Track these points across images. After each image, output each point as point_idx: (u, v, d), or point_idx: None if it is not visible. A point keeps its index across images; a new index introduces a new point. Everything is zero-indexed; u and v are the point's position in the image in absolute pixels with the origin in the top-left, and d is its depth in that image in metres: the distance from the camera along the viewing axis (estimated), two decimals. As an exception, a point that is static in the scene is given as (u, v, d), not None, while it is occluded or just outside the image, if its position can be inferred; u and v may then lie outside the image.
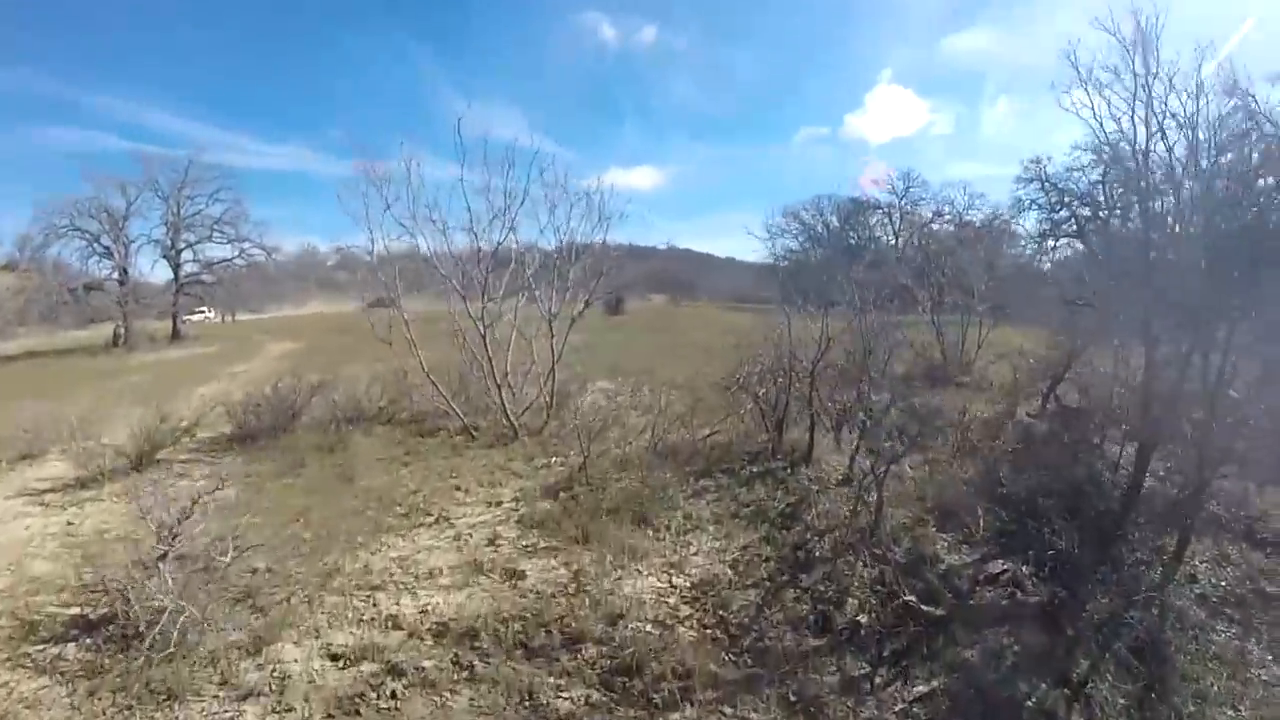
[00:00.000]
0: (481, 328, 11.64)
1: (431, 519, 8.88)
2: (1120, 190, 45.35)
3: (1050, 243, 48.38)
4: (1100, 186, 46.62)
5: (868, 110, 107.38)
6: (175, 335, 43.16)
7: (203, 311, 50.49)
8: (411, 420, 13.93)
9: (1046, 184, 48.06)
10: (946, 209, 59.86)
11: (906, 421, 12.33)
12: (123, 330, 41.63)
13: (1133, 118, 11.09)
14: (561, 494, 9.20)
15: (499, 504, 9.21)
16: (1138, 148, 11.01)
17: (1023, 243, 46.55)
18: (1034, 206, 48.75)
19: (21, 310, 41.97)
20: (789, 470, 10.18)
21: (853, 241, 63.43)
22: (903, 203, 62.08)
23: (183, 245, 43.66)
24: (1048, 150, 52.65)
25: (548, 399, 12.35)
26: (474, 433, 12.30)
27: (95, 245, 41.83)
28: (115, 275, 42.33)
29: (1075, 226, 48.11)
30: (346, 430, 13.73)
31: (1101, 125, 11.11)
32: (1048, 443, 12.71)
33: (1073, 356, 15.04)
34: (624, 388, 18.24)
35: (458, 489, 9.94)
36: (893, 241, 61.68)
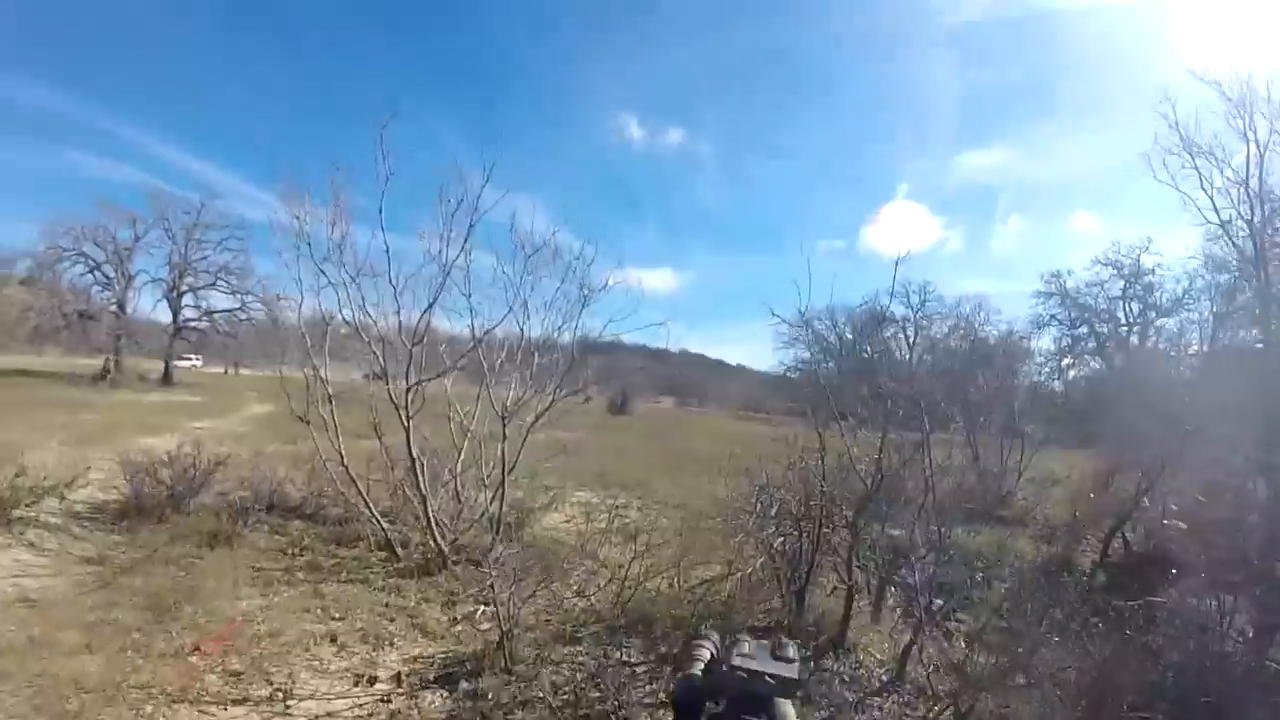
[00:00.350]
0: (405, 417, 8.95)
1: (265, 693, 5.99)
2: (1139, 307, 42.58)
3: (1067, 360, 46.00)
4: (1120, 303, 44.81)
5: (882, 224, 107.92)
6: (166, 378, 41.34)
7: (190, 359, 48.83)
8: (340, 521, 11.16)
9: (1066, 299, 46.01)
10: (962, 324, 58.41)
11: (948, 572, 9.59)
12: (112, 364, 40.06)
13: (1246, 189, 8.91)
14: (464, 681, 6.24)
15: (372, 683, 6.26)
16: (1255, 226, 8.77)
17: (1039, 360, 44.74)
18: (1053, 322, 46.55)
19: (31, 327, 40.36)
20: (812, 662, 7.24)
21: (866, 354, 62.01)
22: (918, 315, 60.61)
23: (185, 289, 42.33)
24: (1062, 267, 51.30)
25: (494, 518, 9.52)
26: (398, 551, 9.48)
27: (97, 274, 40.62)
28: (113, 307, 41.03)
29: (1095, 344, 45.89)
30: (255, 521, 11.08)
31: (1211, 200, 8.98)
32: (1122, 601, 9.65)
33: (1142, 489, 12.17)
34: (608, 502, 15.54)
35: (331, 640, 7.02)
36: (907, 356, 60.18)
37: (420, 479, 8.81)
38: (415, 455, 8.76)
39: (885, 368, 58.41)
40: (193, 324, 42.10)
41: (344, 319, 8.89)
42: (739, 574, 8.49)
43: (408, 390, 8.92)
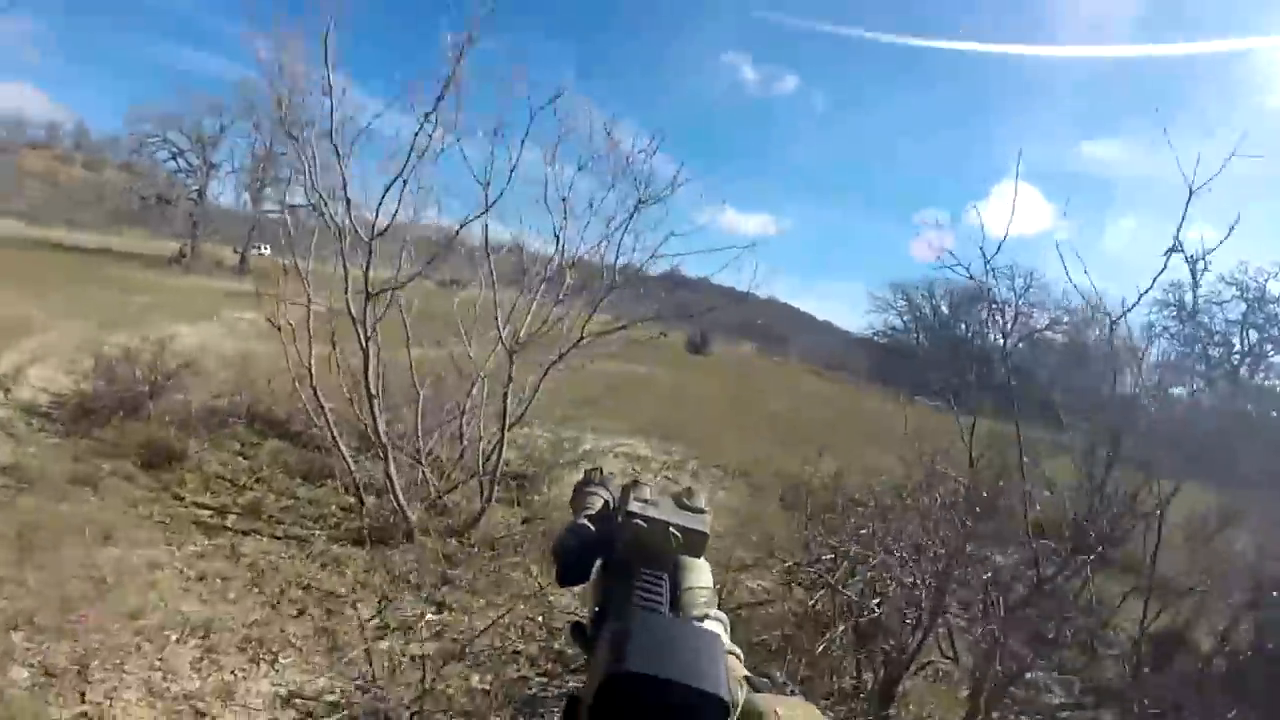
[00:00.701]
0: (362, 335, 6.52)
1: (64, 715, 3.87)
2: (1256, 336, 37.96)
3: (1171, 378, 41.38)
4: (1239, 328, 39.91)
5: (991, 202, 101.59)
6: (241, 266, 41.17)
7: (261, 249, 48.81)
8: (322, 447, 9.07)
9: (1183, 312, 41.24)
10: (1065, 318, 53.84)
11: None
12: (188, 249, 40.25)
13: None
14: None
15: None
16: None
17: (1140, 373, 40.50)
18: (1165, 334, 41.95)
19: (110, 209, 40.83)
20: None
21: (961, 331, 58.21)
22: (1019, 301, 55.84)
23: (265, 181, 41.59)
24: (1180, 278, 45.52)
25: (484, 476, 7.09)
26: (365, 501, 7.22)
27: (180, 160, 40.35)
28: (192, 194, 40.90)
29: (1205, 366, 40.89)
30: (221, 436, 9.18)
31: None
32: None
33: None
34: (660, 459, 13.14)
35: (202, 639, 4.87)
36: (1000, 340, 56.02)
37: (377, 417, 6.44)
38: (372, 386, 6.35)
39: (978, 349, 55.37)
40: (271, 215, 41.39)
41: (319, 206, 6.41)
42: (802, 608, 5.89)
43: (367, 299, 6.48)
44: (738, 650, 0.92)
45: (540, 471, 9.00)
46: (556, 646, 5.22)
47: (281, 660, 4.94)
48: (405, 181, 6.47)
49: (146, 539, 6.42)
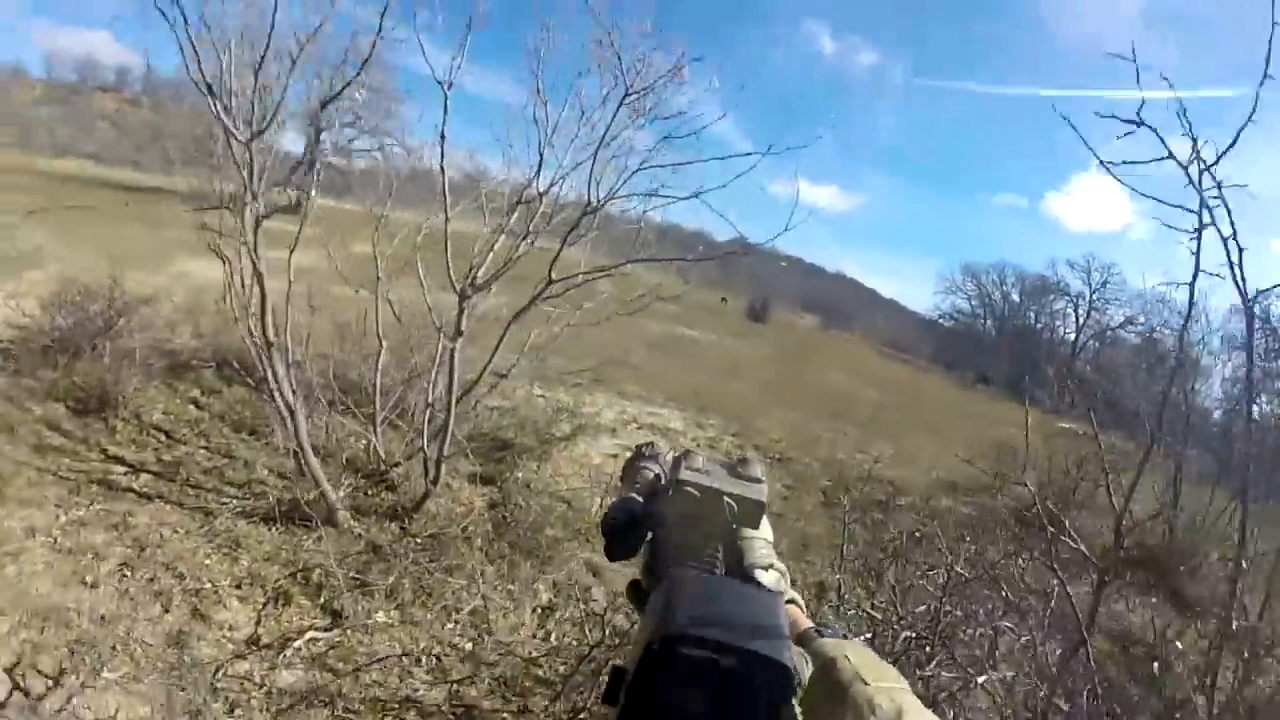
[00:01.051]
0: (254, 264, 5.10)
1: None
2: None
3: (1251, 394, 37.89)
4: None
5: (1071, 193, 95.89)
6: (295, 208, 40.85)
7: (299, 192, 48.97)
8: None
9: (1267, 326, 37.65)
10: (1140, 319, 50.64)
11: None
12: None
13: None
14: None
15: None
16: None
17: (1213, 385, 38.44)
18: (1243, 348, 38.29)
19: (162, 148, 41.15)
20: None
21: (1032, 322, 55.46)
22: (1093, 296, 52.70)
23: (323, 125, 41.01)
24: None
25: (430, 451, 5.68)
26: (303, 466, 5.95)
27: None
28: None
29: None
30: (189, 378, 8.16)
31: None
32: None
33: None
34: (692, 434, 11.69)
35: (40, 632, 3.71)
36: (1071, 336, 53.44)
37: (273, 366, 5.07)
38: (268, 333, 4.96)
39: (1047, 342, 52.51)
40: (329, 159, 40.90)
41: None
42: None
43: (256, 222, 5.10)
44: (799, 599, 0.90)
45: (531, 444, 7.62)
46: (483, 692, 3.88)
47: (107, 674, 3.74)
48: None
49: (38, 498, 5.33)
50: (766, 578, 0.83)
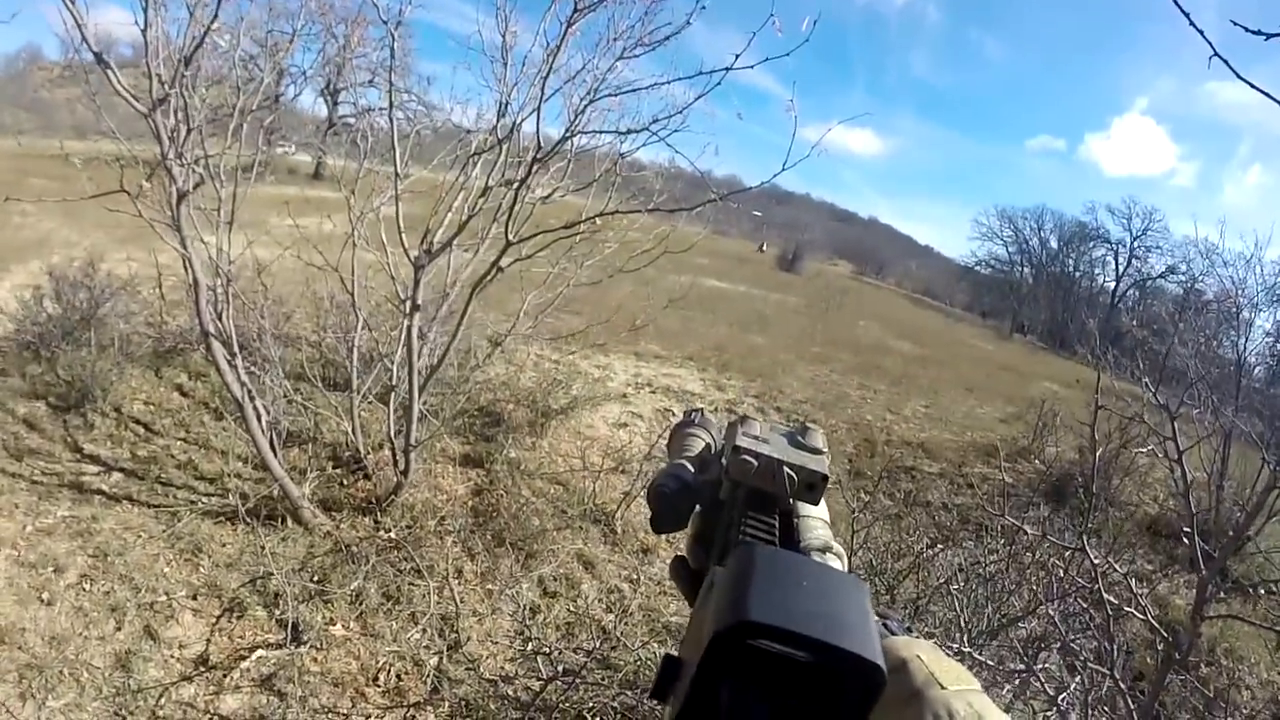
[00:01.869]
0: (183, 242, 4.61)
1: None
2: None
3: None
4: None
5: (1111, 135, 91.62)
6: (317, 175, 40.82)
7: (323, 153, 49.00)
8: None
9: None
10: (1182, 266, 48.71)
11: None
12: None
13: None
14: None
15: None
16: None
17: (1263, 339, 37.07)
18: None
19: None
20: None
21: (1070, 269, 53.67)
22: (1134, 243, 50.63)
23: (342, 85, 40.53)
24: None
25: (399, 439, 5.27)
26: (275, 454, 5.62)
27: (250, 66, 39.76)
28: (265, 103, 40.45)
29: None
30: (176, 362, 7.92)
31: None
32: None
33: None
34: (709, 395, 11.24)
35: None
36: (1112, 284, 51.66)
37: (215, 363, 4.66)
38: (204, 323, 4.53)
39: (1085, 290, 50.61)
40: (347, 119, 40.49)
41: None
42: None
43: (178, 198, 4.59)
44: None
45: (535, 415, 7.22)
46: None
47: (50, 703, 3.47)
48: None
49: (7, 506, 5.11)
50: (830, 561, 0.78)
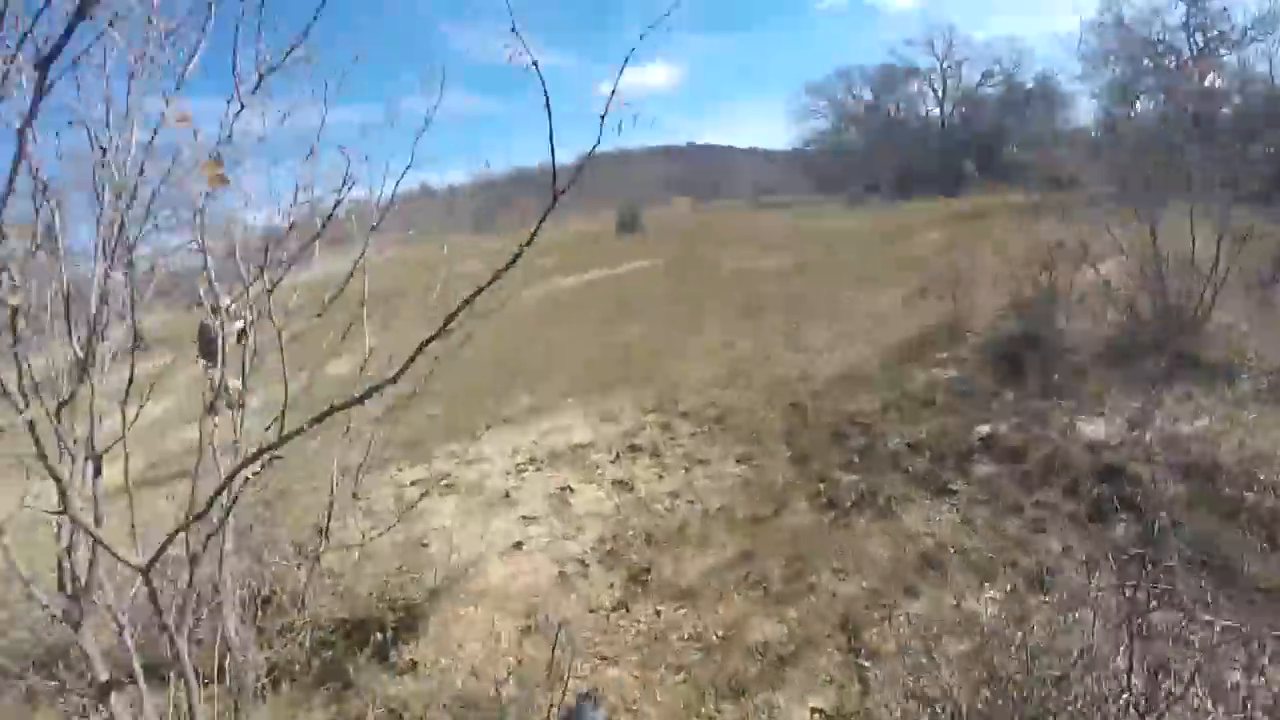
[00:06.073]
0: None
1: None
2: (1203, 39, 35.56)
3: (1137, 102, 38.81)
4: (1182, 34, 36.98)
5: None
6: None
7: None
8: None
9: (1123, 29, 38.23)
10: (995, 69, 51.07)
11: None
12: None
13: None
14: None
15: None
16: None
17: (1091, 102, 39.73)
18: (1111, 58, 39.19)
19: None
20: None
21: (891, 114, 55.06)
22: (944, 66, 52.35)
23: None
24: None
25: None
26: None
27: None
28: None
29: (1155, 80, 37.88)
30: None
31: None
32: None
33: None
34: (602, 440, 9.43)
35: None
36: (935, 111, 53.57)
37: None
38: None
39: (916, 125, 51.94)
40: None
41: None
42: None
43: None
44: None
45: (393, 614, 5.27)
46: None
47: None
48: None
49: None
50: None
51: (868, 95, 56.16)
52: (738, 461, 8.41)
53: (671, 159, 69.77)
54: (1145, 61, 38.04)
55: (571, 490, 8.11)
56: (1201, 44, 36.55)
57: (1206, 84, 34.30)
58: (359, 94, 4.66)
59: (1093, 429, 8.27)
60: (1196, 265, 9.91)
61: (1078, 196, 18.72)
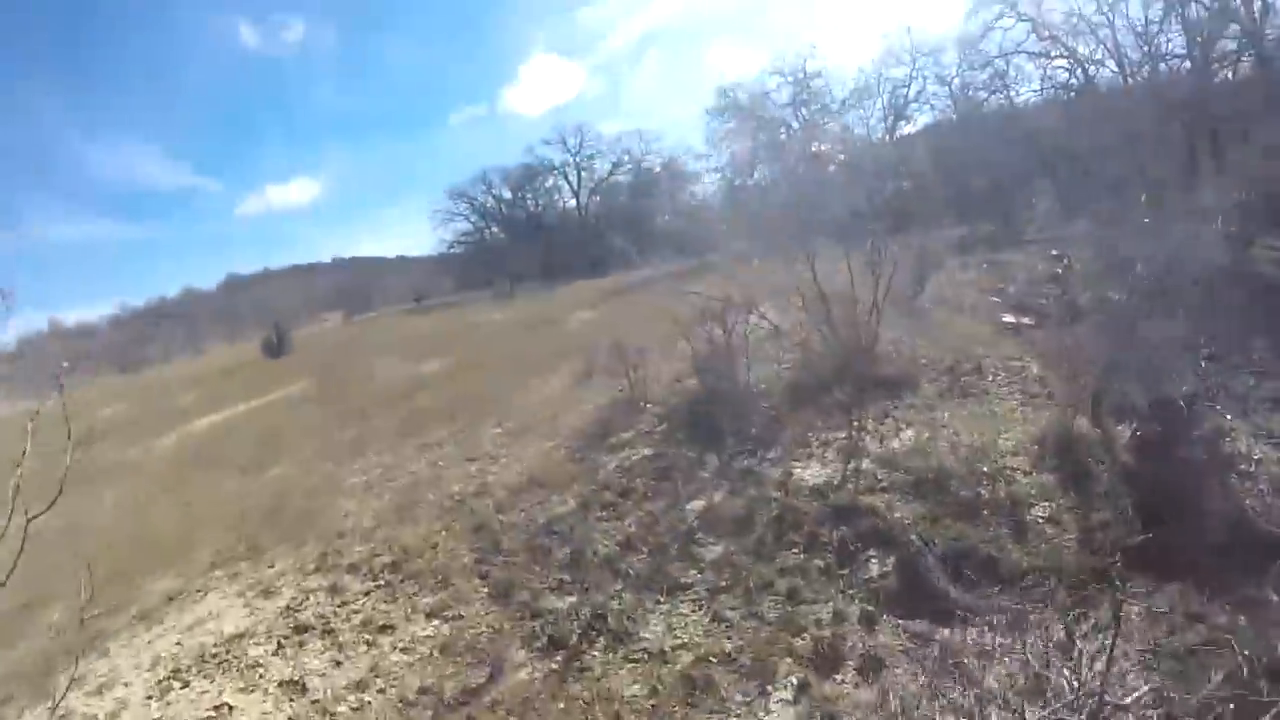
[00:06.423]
0: None
1: None
2: (808, 112, 43.91)
3: (758, 170, 45.96)
4: (791, 109, 45.66)
5: (523, 82, 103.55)
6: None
7: None
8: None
9: (742, 111, 45.48)
10: (625, 158, 57.62)
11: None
12: None
13: None
14: None
15: None
16: None
17: (716, 175, 46.00)
18: (730, 136, 46.35)
19: None
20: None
21: (532, 209, 59.05)
22: (578, 159, 57.84)
23: None
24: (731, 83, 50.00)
25: None
26: None
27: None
28: None
29: (770, 151, 45.58)
30: None
31: None
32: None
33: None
34: (257, 623, 7.99)
35: None
36: (572, 202, 58.68)
37: None
38: None
39: (555, 217, 55.82)
40: None
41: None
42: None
43: None
44: None
45: None
46: None
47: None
48: None
49: None
50: None
51: (507, 194, 58.96)
52: (429, 617, 7.35)
53: (319, 274, 66.57)
54: (760, 135, 44.55)
55: (231, 710, 6.75)
56: (806, 116, 43.92)
57: (814, 149, 41.10)
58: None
59: (811, 473, 8.45)
60: (855, 296, 10.76)
61: (717, 258, 20.00)
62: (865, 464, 8.36)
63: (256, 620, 8.12)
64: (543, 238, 53.63)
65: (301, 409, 19.87)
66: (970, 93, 39.33)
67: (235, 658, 7.47)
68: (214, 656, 7.62)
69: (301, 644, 7.42)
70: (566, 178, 58.54)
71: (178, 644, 8.02)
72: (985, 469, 7.81)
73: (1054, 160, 34.26)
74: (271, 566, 9.33)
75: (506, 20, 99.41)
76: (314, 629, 7.62)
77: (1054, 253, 19.08)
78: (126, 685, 7.46)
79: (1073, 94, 35.40)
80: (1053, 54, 34.88)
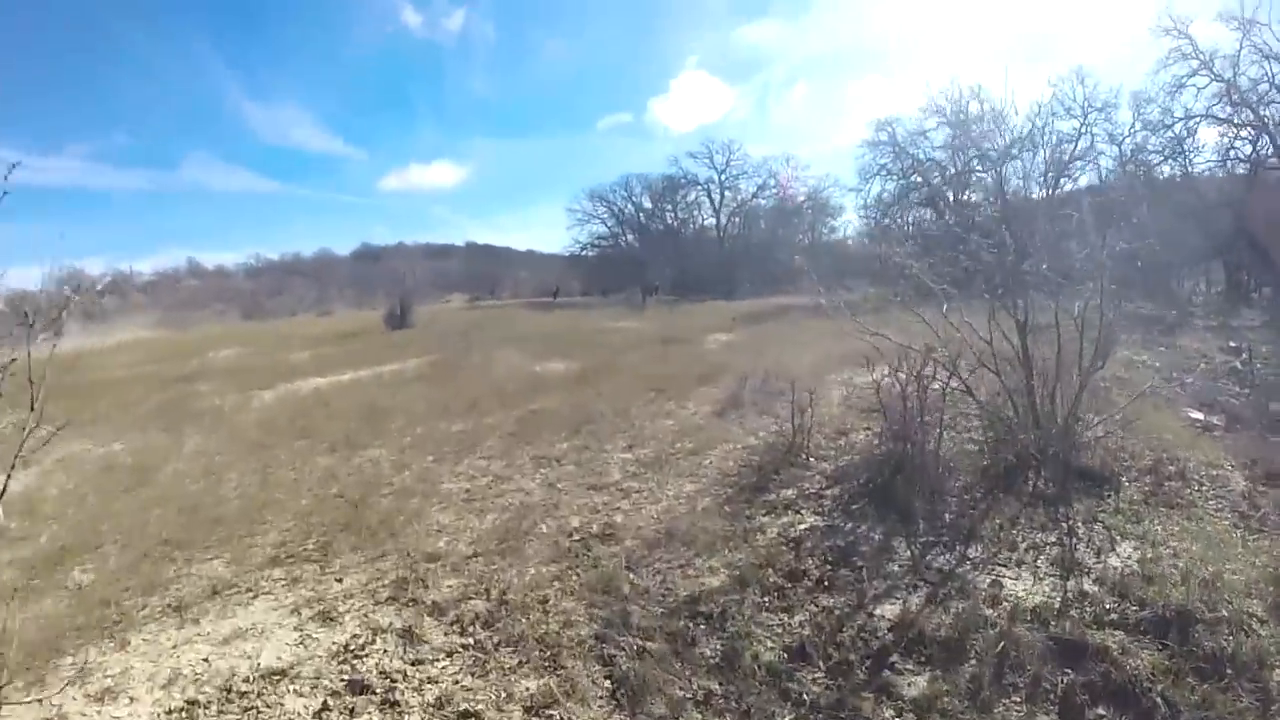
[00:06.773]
0: None
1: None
2: (965, 157, 41.02)
3: (914, 210, 43.86)
4: (947, 152, 42.22)
5: (672, 96, 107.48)
6: None
7: None
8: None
9: (898, 148, 43.48)
10: (771, 181, 56.54)
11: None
12: None
13: None
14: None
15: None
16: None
17: (862, 212, 45.50)
18: (883, 173, 44.36)
19: None
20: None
21: (670, 221, 58.23)
22: (723, 177, 56.58)
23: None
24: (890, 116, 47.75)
25: None
26: None
27: None
28: None
29: (926, 194, 42.91)
30: None
31: None
32: None
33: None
34: (304, 653, 6.19)
35: None
36: (712, 220, 57.97)
37: None
38: None
39: (693, 232, 54.97)
40: None
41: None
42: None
43: None
44: None
45: None
46: None
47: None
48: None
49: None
50: None
51: (647, 203, 58.04)
52: (528, 712, 5.05)
53: (450, 256, 68.57)
54: (914, 176, 41.95)
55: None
56: (962, 163, 40.89)
57: (965, 197, 38.36)
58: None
59: (1023, 587, 6.39)
60: (1062, 363, 8.74)
61: (855, 296, 18.48)
62: (1087, 584, 6.30)
63: (305, 655, 6.12)
64: (678, 251, 52.22)
65: (411, 387, 18.43)
66: (1142, 155, 35.20)
67: (267, 707, 5.45)
68: (242, 695, 5.63)
69: (353, 711, 5.30)
70: (709, 194, 57.37)
71: (205, 661, 6.14)
72: (1225, 613, 5.48)
73: (1230, 240, 30.35)
74: (340, 580, 7.38)
75: (665, 32, 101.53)
76: (374, 691, 5.51)
77: (1232, 344, 17.60)
78: (131, 701, 5.60)
79: (1257, 169, 31.21)
80: (1236, 120, 30.77)
